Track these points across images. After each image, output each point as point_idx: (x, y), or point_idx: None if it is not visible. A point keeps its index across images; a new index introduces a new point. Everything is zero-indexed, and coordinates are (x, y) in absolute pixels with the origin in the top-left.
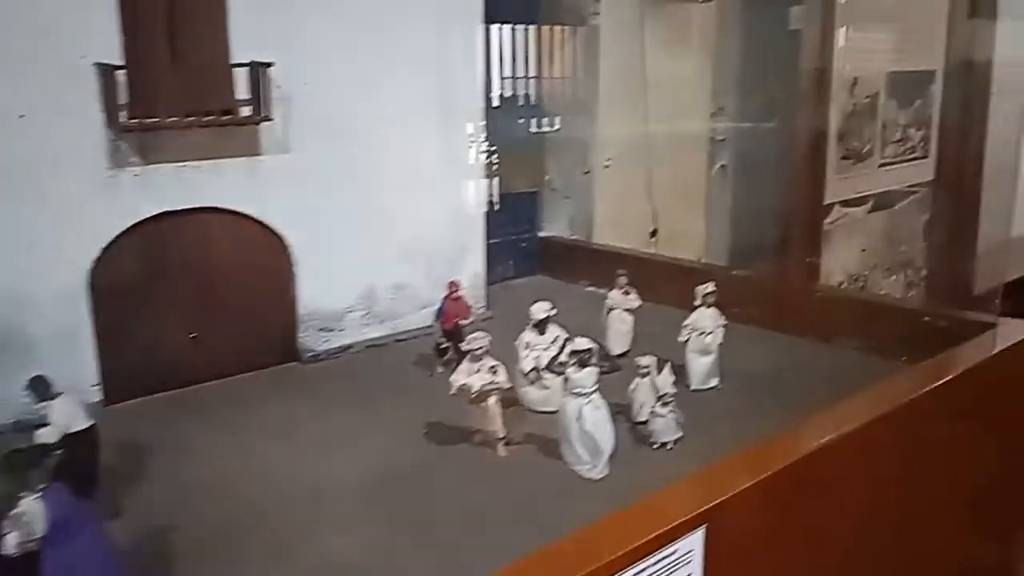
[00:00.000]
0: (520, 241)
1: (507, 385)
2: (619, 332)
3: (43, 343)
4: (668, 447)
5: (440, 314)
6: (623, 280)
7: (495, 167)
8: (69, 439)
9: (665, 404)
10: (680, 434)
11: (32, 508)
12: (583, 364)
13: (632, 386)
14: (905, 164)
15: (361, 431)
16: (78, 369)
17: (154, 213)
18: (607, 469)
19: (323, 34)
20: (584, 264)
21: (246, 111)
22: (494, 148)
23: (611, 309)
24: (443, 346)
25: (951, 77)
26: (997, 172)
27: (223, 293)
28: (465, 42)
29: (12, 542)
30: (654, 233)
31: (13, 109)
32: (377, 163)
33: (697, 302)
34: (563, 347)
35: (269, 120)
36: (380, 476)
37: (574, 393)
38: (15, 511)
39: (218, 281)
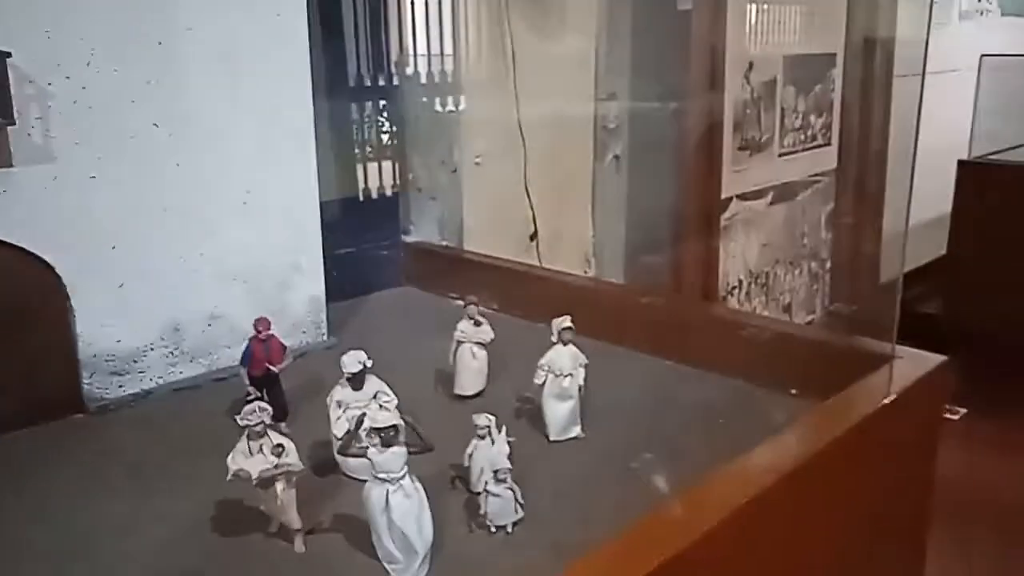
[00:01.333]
0: (380, 248)
1: (297, 467)
2: (470, 370)
3: None
4: (507, 531)
5: (246, 359)
6: (473, 309)
7: (372, 155)
8: None
9: (500, 481)
10: (519, 515)
11: None
12: (387, 443)
13: (469, 449)
14: (806, 152)
15: (135, 513)
16: None
17: None
18: (424, 568)
19: (96, 15)
20: (455, 274)
21: None
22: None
23: (460, 343)
24: (251, 398)
25: (852, 60)
26: (903, 157)
27: None
28: (288, 18)
29: None
30: (534, 236)
31: None
32: (176, 168)
33: (553, 338)
34: (359, 421)
35: (10, 124)
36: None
37: (379, 478)
38: None
39: None
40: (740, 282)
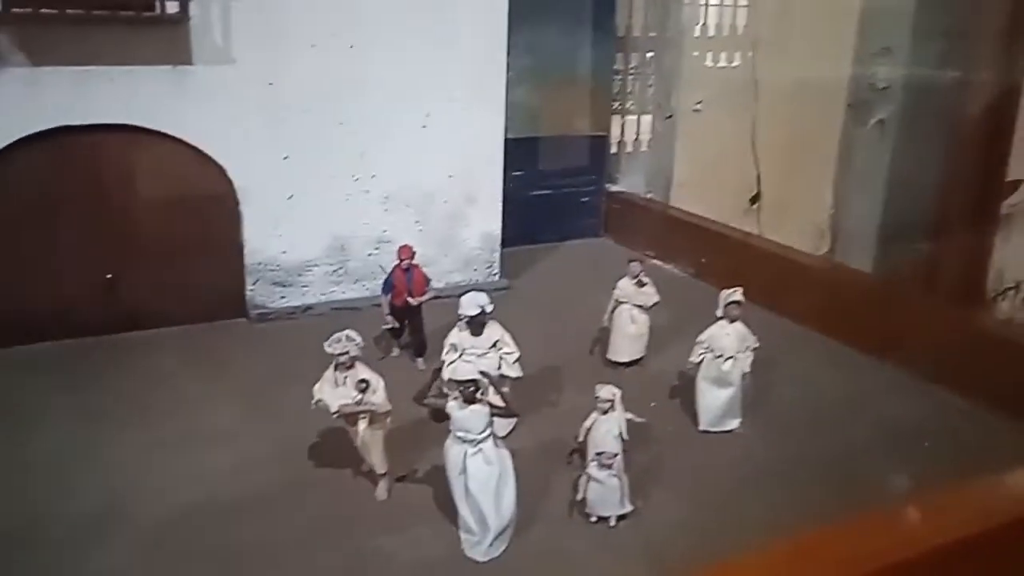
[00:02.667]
0: (582, 195)
1: (382, 407)
2: (627, 335)
3: None
4: (610, 524)
5: (387, 287)
6: (636, 267)
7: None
8: None
9: (604, 466)
10: (626, 508)
11: None
12: (468, 400)
13: (587, 422)
14: None
15: (247, 428)
16: None
17: (50, 127)
18: (499, 548)
19: None
20: (656, 230)
21: (173, 7)
22: None
23: (619, 303)
24: (391, 327)
25: None
26: None
27: (148, 230)
28: None
29: None
30: (755, 199)
31: None
32: (354, 82)
33: (718, 312)
34: (439, 370)
35: (184, 18)
36: (202, 507)
37: (458, 437)
38: None
39: (142, 215)
40: (1018, 285)
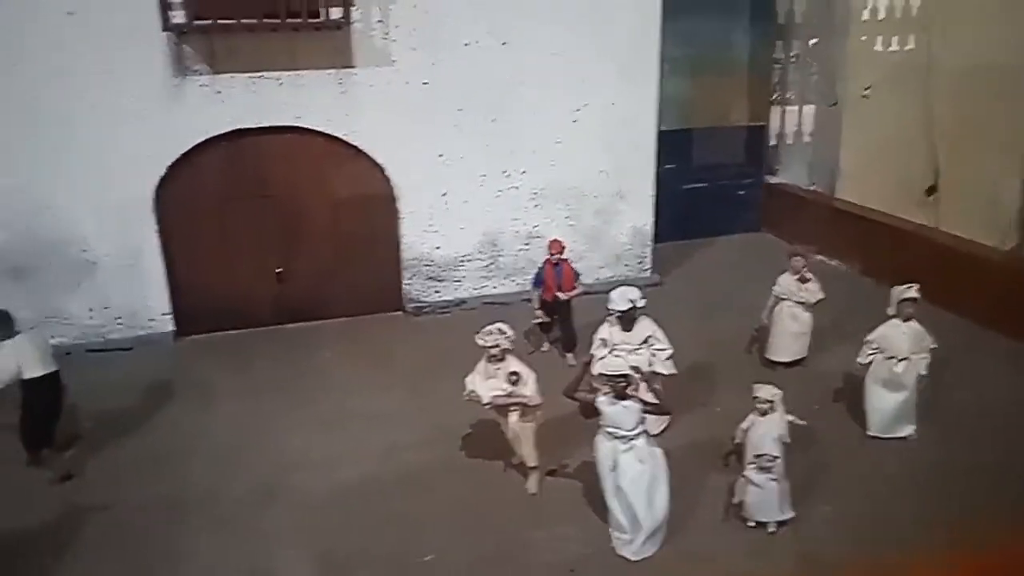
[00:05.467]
0: (739, 188)
1: (533, 401)
2: (788, 333)
3: (106, 266)
4: (769, 530)
5: (538, 281)
6: (799, 262)
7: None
8: (25, 384)
9: (763, 469)
10: (787, 515)
11: None
12: (618, 395)
13: (744, 424)
14: None
15: (403, 414)
16: (145, 296)
17: (227, 130)
18: (650, 548)
19: None
20: (820, 224)
21: (336, 13)
22: None
23: (779, 300)
24: (540, 321)
25: None
26: None
27: (313, 226)
28: None
29: None
30: (932, 190)
31: (61, 4)
32: (506, 80)
33: (891, 310)
34: (588, 363)
35: (346, 24)
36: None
37: (608, 432)
38: None
39: (307, 212)
40: None
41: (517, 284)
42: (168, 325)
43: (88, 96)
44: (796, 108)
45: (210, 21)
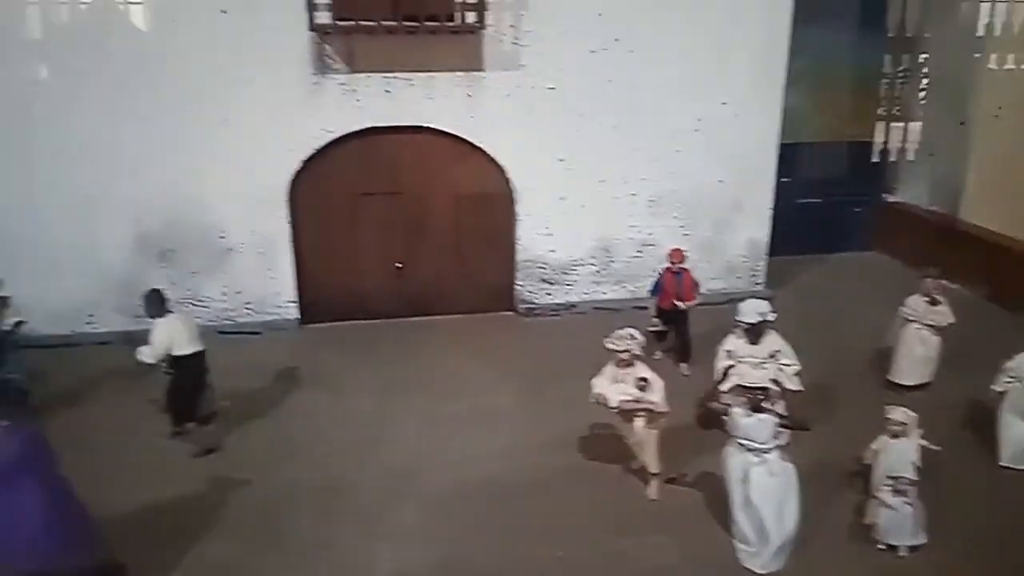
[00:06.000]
0: (853, 204)
1: (660, 408)
2: (914, 356)
3: (240, 253)
4: (899, 553)
5: (657, 289)
6: (931, 284)
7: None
8: (176, 361)
9: (898, 492)
10: (919, 540)
11: None
12: (755, 408)
13: (875, 445)
14: None
15: (521, 414)
16: (274, 284)
17: (360, 128)
18: (777, 562)
19: None
20: (939, 247)
21: (471, 18)
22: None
23: (907, 322)
24: (657, 329)
25: None
26: None
27: (434, 224)
28: None
29: None
30: None
31: (216, 2)
32: (627, 88)
33: None
34: (725, 373)
35: (480, 28)
36: (484, 482)
37: (741, 445)
38: None
39: (428, 210)
40: None
41: (628, 291)
42: (293, 312)
43: (235, 92)
44: (913, 124)
45: (352, 22)
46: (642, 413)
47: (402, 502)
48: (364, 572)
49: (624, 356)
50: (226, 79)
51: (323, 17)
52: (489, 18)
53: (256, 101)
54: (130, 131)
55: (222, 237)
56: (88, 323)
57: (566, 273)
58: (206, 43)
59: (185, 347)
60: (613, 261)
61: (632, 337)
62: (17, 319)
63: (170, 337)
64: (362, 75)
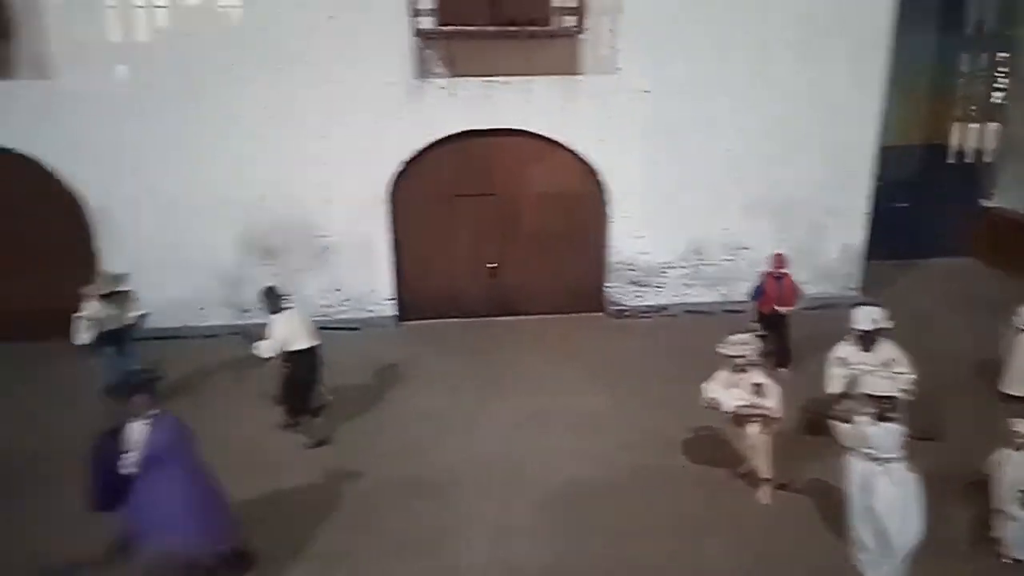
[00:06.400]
0: (948, 210)
1: (775, 414)
2: None
3: (340, 252)
4: None
5: (757, 293)
6: None
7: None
8: (291, 356)
9: None
10: None
11: (136, 435)
12: (882, 416)
13: (996, 457)
14: None
15: (617, 415)
16: (372, 281)
17: (458, 130)
18: (899, 572)
19: None
20: None
21: (570, 22)
22: None
23: (1020, 331)
24: (756, 334)
25: None
26: None
27: (527, 225)
28: None
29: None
30: None
31: (323, 8)
32: (727, 91)
33: None
34: (852, 382)
35: (579, 32)
36: (585, 481)
37: (864, 453)
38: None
39: (520, 211)
40: None
41: (720, 294)
42: (390, 310)
43: (339, 96)
44: (999, 126)
45: (454, 28)
46: (757, 418)
47: (507, 500)
48: (477, 570)
49: (740, 361)
50: (331, 84)
51: (426, 23)
52: (587, 22)
53: (359, 105)
54: (242, 137)
55: (324, 236)
56: (197, 317)
57: (657, 275)
58: (312, 48)
59: (301, 342)
60: (704, 264)
61: (748, 343)
62: (142, 312)
63: (288, 332)
64: (462, 79)
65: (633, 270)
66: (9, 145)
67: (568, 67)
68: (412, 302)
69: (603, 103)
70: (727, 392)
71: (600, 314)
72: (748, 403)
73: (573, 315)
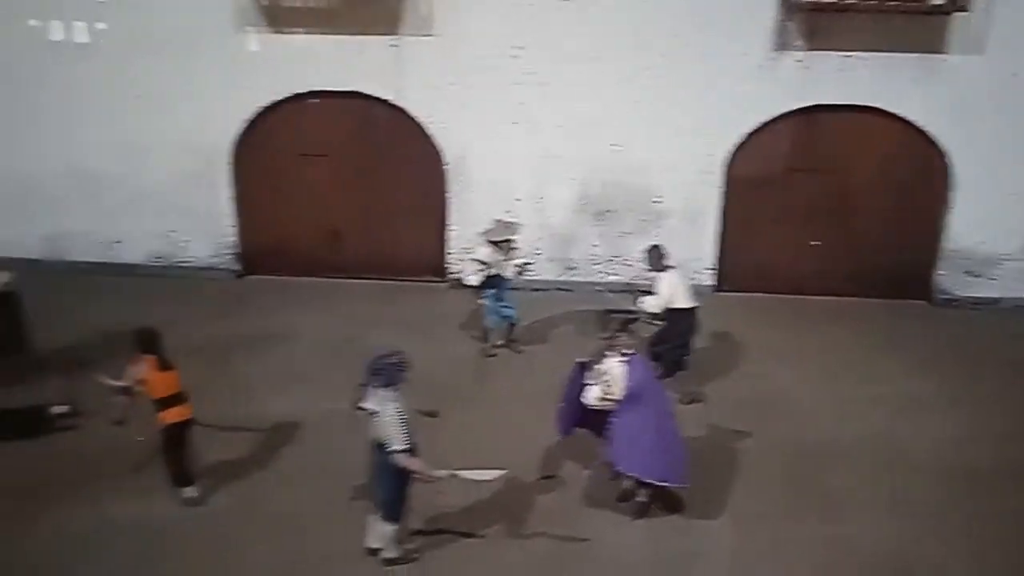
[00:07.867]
0: None
1: None
2: None
3: (670, 218)
4: None
5: None
6: None
7: None
8: (670, 313)
9: None
10: None
11: (614, 371)
12: None
13: None
14: None
15: (941, 403)
16: (696, 250)
17: (808, 104)
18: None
19: None
20: None
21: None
22: None
23: None
24: None
25: None
26: None
27: (856, 204)
28: None
29: (593, 395)
30: None
31: None
32: None
33: None
34: None
35: (963, 11)
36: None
37: None
38: (600, 367)
39: (852, 190)
40: None
41: None
42: (709, 279)
43: (696, 63)
44: None
45: (823, 0)
46: None
47: (865, 478)
48: (831, 545)
49: None
50: (691, 51)
51: None
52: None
53: (712, 74)
54: (592, 96)
55: (657, 202)
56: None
57: (992, 267)
58: (673, 16)
59: (684, 301)
60: None
61: None
62: (524, 260)
63: (672, 291)
64: (818, 53)
65: (968, 259)
66: None
67: (933, 46)
68: (731, 273)
69: (967, 86)
70: None
71: (922, 302)
72: None
73: (892, 300)
